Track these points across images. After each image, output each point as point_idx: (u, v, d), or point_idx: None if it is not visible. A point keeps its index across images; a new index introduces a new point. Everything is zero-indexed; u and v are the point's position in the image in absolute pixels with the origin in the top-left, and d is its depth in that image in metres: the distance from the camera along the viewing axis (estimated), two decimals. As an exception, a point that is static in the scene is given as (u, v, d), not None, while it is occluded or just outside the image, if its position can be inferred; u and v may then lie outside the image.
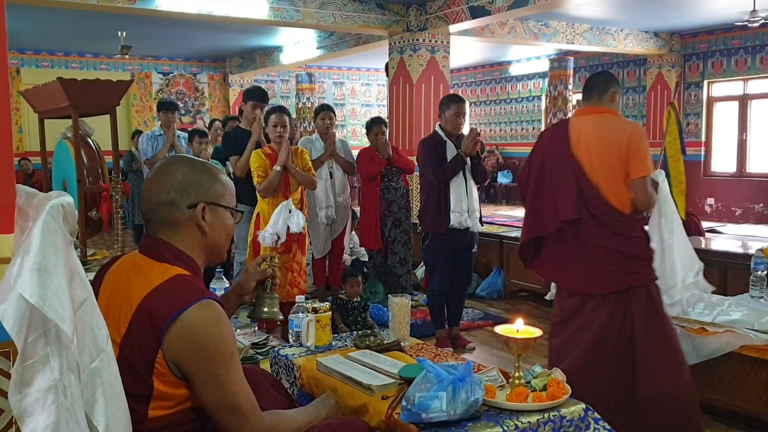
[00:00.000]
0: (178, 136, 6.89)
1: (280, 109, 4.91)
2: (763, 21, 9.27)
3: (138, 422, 1.67)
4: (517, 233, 6.27)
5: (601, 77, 3.44)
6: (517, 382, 2.14)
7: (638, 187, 3.18)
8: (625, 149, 3.18)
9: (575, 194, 3.24)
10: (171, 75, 14.69)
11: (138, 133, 8.98)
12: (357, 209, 6.64)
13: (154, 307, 1.70)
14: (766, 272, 4.05)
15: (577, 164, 3.25)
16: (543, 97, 14.53)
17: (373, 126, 6.08)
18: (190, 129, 7.19)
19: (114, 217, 4.54)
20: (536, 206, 3.40)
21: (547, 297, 3.78)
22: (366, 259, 6.67)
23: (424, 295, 5.65)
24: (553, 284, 3.60)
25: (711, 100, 12.17)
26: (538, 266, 3.51)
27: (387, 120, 7.47)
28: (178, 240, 1.83)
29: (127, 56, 11.86)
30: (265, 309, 2.12)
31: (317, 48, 12.09)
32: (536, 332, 2.15)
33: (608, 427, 2.12)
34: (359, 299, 5.16)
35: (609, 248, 3.20)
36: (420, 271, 6.89)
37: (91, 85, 4.22)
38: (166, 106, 6.80)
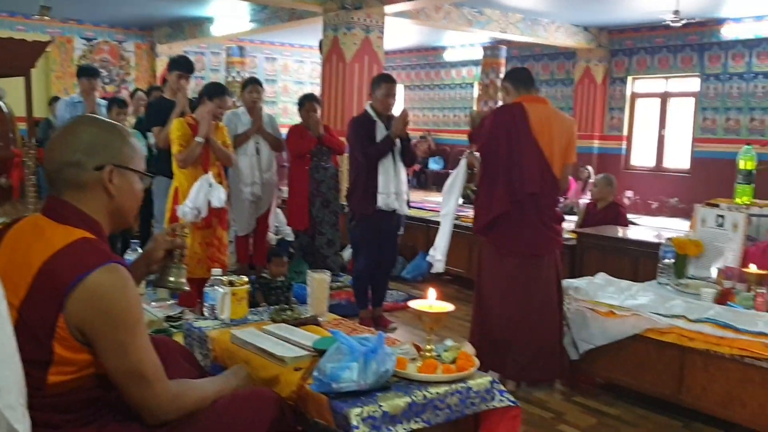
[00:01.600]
0: (98, 104, 6.65)
1: (225, 91, 4.83)
2: (685, 21, 9.60)
3: (36, 388, 1.63)
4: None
5: (528, 71, 4.11)
6: (428, 354, 2.18)
7: (567, 171, 3.99)
8: (569, 137, 3.93)
9: (537, 172, 3.83)
10: (95, 41, 14.15)
11: (56, 99, 8.63)
12: (285, 188, 6.57)
13: (56, 270, 1.64)
14: (673, 260, 4.22)
15: (537, 146, 3.84)
16: (476, 85, 14.70)
17: (305, 102, 6.00)
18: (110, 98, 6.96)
19: (26, 184, 4.36)
20: (505, 180, 3.87)
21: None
22: (292, 239, 6.62)
23: (350, 277, 5.67)
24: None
25: (634, 96, 12.57)
26: (490, 234, 3.98)
27: (320, 98, 7.40)
28: (84, 202, 1.77)
29: (46, 18, 11.26)
30: (172, 278, 2.08)
31: (250, 21, 11.86)
32: (448, 307, 2.19)
33: (512, 399, 2.18)
34: (283, 279, 5.12)
35: (553, 218, 3.97)
36: (347, 253, 6.89)
37: (3, 44, 4.02)
38: (87, 72, 6.55)
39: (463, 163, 4.43)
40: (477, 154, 4.19)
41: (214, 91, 4.73)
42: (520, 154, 3.83)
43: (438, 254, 4.33)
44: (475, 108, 13.95)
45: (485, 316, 4.02)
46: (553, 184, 3.93)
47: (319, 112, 6.13)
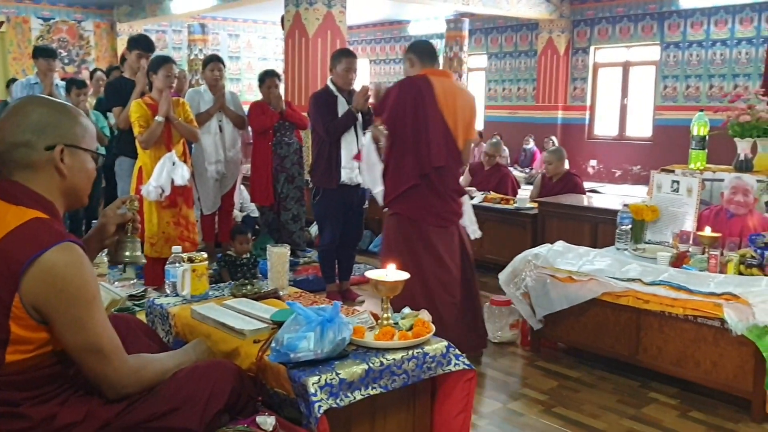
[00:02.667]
0: (56, 85, 6.55)
1: (167, 59, 4.78)
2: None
3: (-6, 367, 1.65)
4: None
5: (431, 45, 4.10)
6: (385, 323, 2.23)
7: (469, 146, 4.06)
8: (471, 112, 3.98)
9: (444, 145, 3.82)
10: (53, 21, 13.85)
11: (14, 81, 8.47)
12: (248, 166, 6.55)
13: (10, 250, 1.65)
14: (630, 226, 4.33)
15: (443, 119, 3.81)
16: (441, 58, 14.69)
17: (266, 78, 5.97)
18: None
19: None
20: (413, 153, 3.82)
21: None
22: (257, 215, 6.62)
23: (317, 252, 5.69)
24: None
25: (596, 66, 12.67)
26: (398, 206, 3.93)
27: (281, 74, 7.36)
28: (35, 183, 1.78)
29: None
30: (127, 253, 2.09)
31: (211, -2, 11.71)
32: (404, 276, 2.24)
33: (467, 362, 2.25)
34: (249, 256, 5.13)
35: (456, 191, 3.99)
36: (314, 229, 6.92)
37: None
38: (43, 53, 6.43)
39: (368, 137, 4.38)
40: (382, 127, 4.10)
41: (158, 64, 4.70)
42: (427, 127, 3.79)
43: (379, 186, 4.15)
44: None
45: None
46: (458, 157, 3.93)
47: (281, 87, 6.11)
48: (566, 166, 6.49)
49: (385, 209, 4.06)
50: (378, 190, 4.17)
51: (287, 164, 6.00)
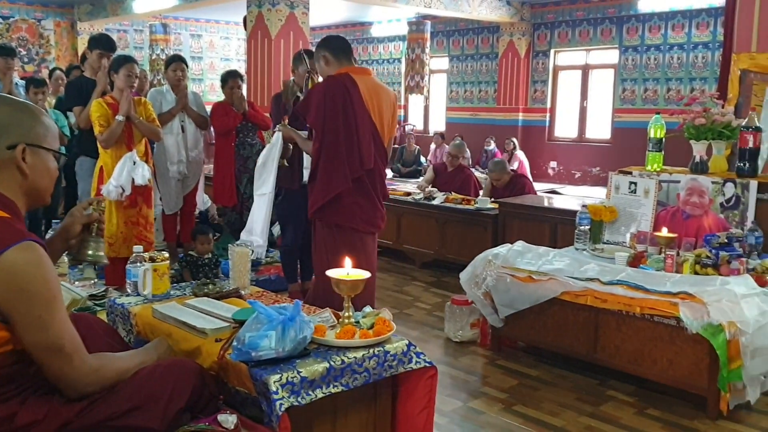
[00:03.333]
0: (16, 84, 6.44)
1: (129, 59, 4.74)
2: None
3: (-47, 366, 1.63)
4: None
5: (345, 40, 3.87)
6: (346, 321, 2.25)
7: (391, 144, 3.92)
8: (393, 110, 3.83)
9: (373, 146, 3.68)
10: (12, 19, 13.58)
11: (-29, 79, 8.28)
12: (211, 166, 6.51)
13: None
14: (589, 226, 4.40)
15: (371, 119, 3.67)
16: (403, 60, 14.77)
17: (228, 79, 5.96)
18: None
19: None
20: (345, 156, 3.61)
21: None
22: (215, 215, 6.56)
23: (279, 252, 5.67)
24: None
25: (557, 69, 12.87)
26: (328, 215, 3.70)
27: (244, 74, 7.33)
28: None
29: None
30: (90, 252, 2.09)
31: (173, -3, 11.60)
32: (365, 275, 2.26)
33: (428, 359, 2.28)
34: (210, 256, 5.10)
35: (384, 194, 3.86)
36: (277, 229, 6.88)
37: None
38: (2, 51, 6.32)
39: (278, 136, 4.23)
40: (289, 126, 4.00)
41: (119, 63, 4.66)
42: (357, 127, 3.61)
43: (258, 238, 4.11)
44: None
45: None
46: (385, 157, 3.80)
47: (243, 88, 6.10)
48: (517, 166, 6.60)
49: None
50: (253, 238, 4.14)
51: (250, 165, 5.97)
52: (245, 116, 5.91)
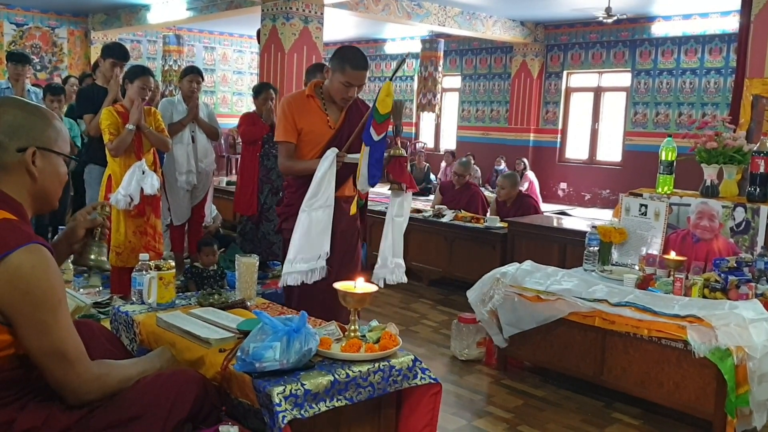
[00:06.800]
0: (29, 91, 6.48)
1: (146, 71, 4.75)
2: (617, 18, 9.89)
3: (-46, 369, 1.61)
4: (382, 207, 6.43)
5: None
6: (352, 334, 2.23)
7: None
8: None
9: None
10: (26, 27, 13.71)
11: (-15, 85, 8.35)
12: (224, 178, 6.52)
13: None
14: (598, 248, 4.38)
15: None
16: (416, 78, 14.81)
17: (263, 91, 6.01)
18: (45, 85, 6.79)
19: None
20: None
21: None
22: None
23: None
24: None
25: (569, 90, 12.88)
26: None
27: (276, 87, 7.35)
28: (5, 184, 1.76)
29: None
30: (92, 256, 2.08)
31: (187, 9, 11.69)
32: (372, 288, 2.24)
33: (434, 376, 2.25)
34: (215, 268, 5.08)
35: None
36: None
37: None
38: (15, 58, 6.37)
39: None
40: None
41: (135, 74, 4.66)
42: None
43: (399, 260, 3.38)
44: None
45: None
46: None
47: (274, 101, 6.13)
48: (527, 187, 6.58)
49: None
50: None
51: (273, 176, 5.99)
52: (272, 128, 5.93)
